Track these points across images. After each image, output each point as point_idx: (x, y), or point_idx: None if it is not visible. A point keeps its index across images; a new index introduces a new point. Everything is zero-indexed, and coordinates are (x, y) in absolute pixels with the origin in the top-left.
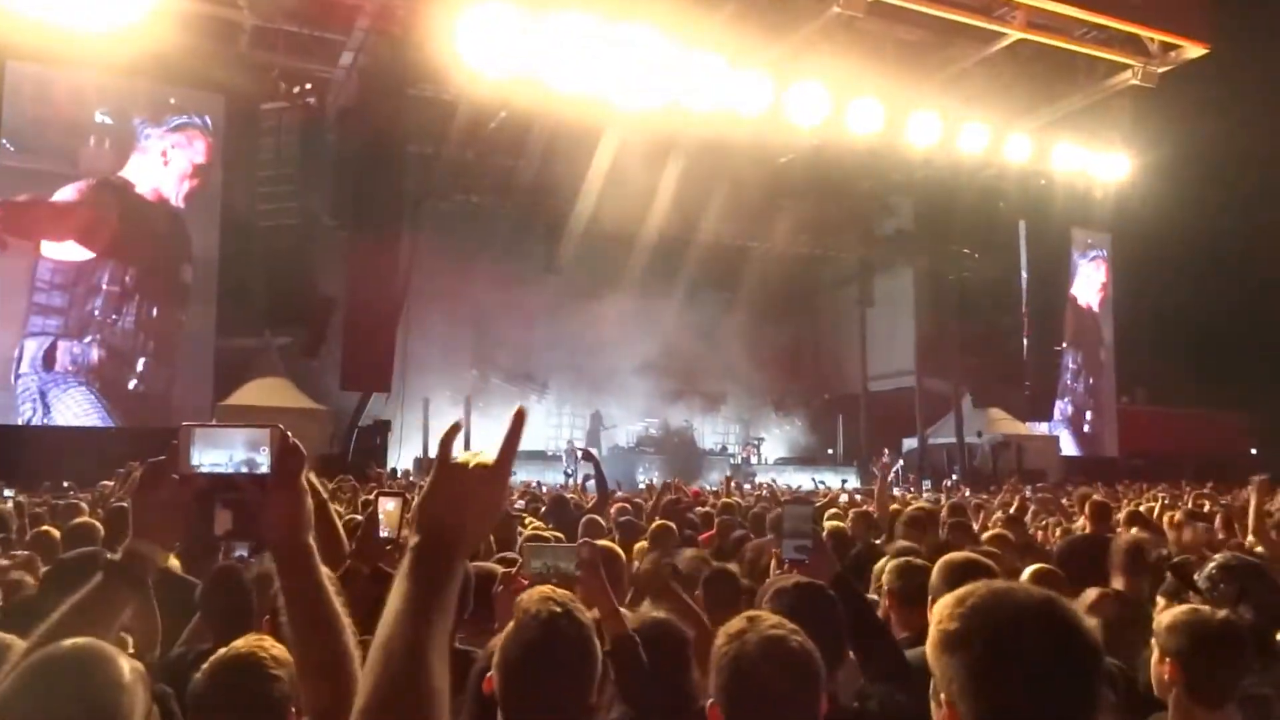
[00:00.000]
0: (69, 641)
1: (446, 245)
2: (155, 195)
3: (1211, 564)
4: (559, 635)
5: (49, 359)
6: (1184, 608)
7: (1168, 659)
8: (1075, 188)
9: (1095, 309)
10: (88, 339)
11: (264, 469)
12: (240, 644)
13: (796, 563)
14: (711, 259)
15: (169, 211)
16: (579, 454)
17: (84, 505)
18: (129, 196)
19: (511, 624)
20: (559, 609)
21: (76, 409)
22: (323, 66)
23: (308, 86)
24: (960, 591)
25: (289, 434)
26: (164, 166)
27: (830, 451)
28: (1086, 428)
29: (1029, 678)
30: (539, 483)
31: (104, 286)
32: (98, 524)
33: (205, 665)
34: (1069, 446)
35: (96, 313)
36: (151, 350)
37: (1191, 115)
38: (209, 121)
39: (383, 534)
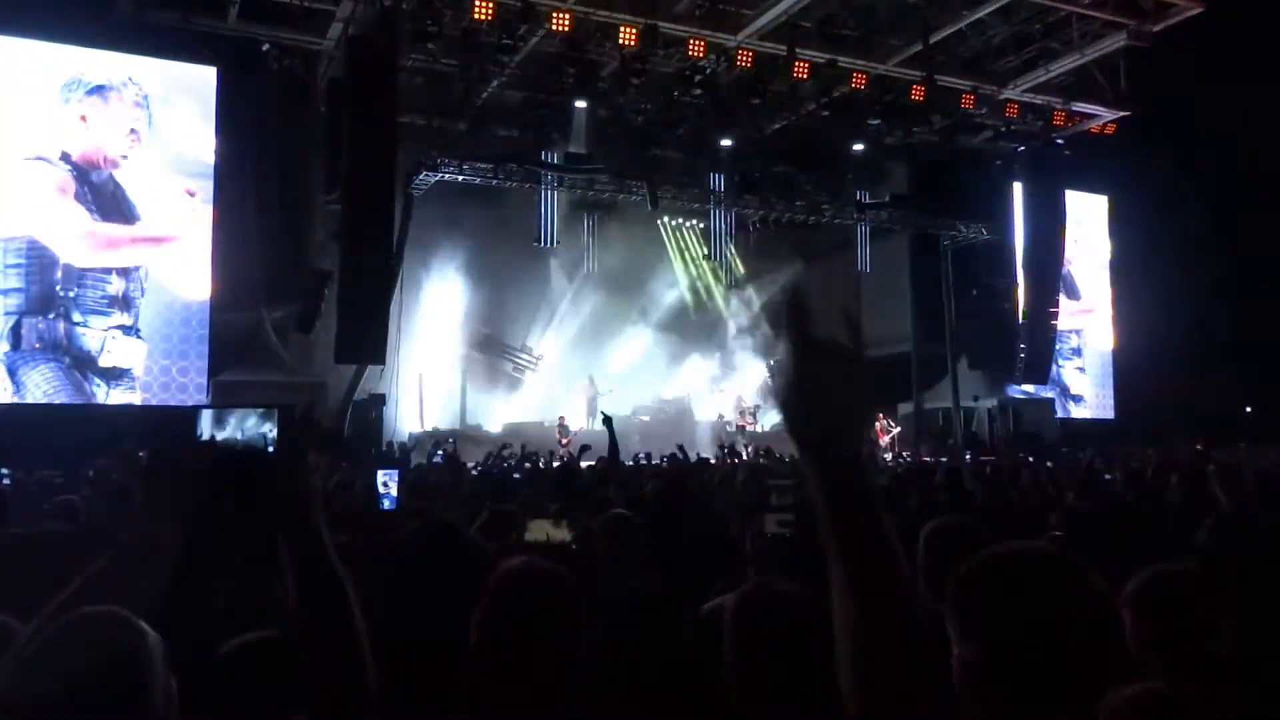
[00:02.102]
0: (93, 608)
1: (439, 217)
2: (87, 160)
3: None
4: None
5: (15, 338)
6: (1152, 569)
7: (1134, 615)
8: (1071, 150)
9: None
10: (51, 314)
11: (271, 448)
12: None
13: (779, 537)
14: (706, 227)
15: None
16: (600, 415)
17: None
18: (71, 166)
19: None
20: (533, 561)
21: (45, 385)
22: (313, 38)
23: (298, 59)
24: (984, 552)
25: (294, 413)
26: (85, 131)
27: None
28: (1082, 389)
29: (1044, 631)
30: (533, 449)
31: (60, 260)
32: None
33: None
34: (1067, 408)
35: (57, 288)
36: (118, 323)
37: (1189, 74)
38: (131, 80)
39: (384, 506)
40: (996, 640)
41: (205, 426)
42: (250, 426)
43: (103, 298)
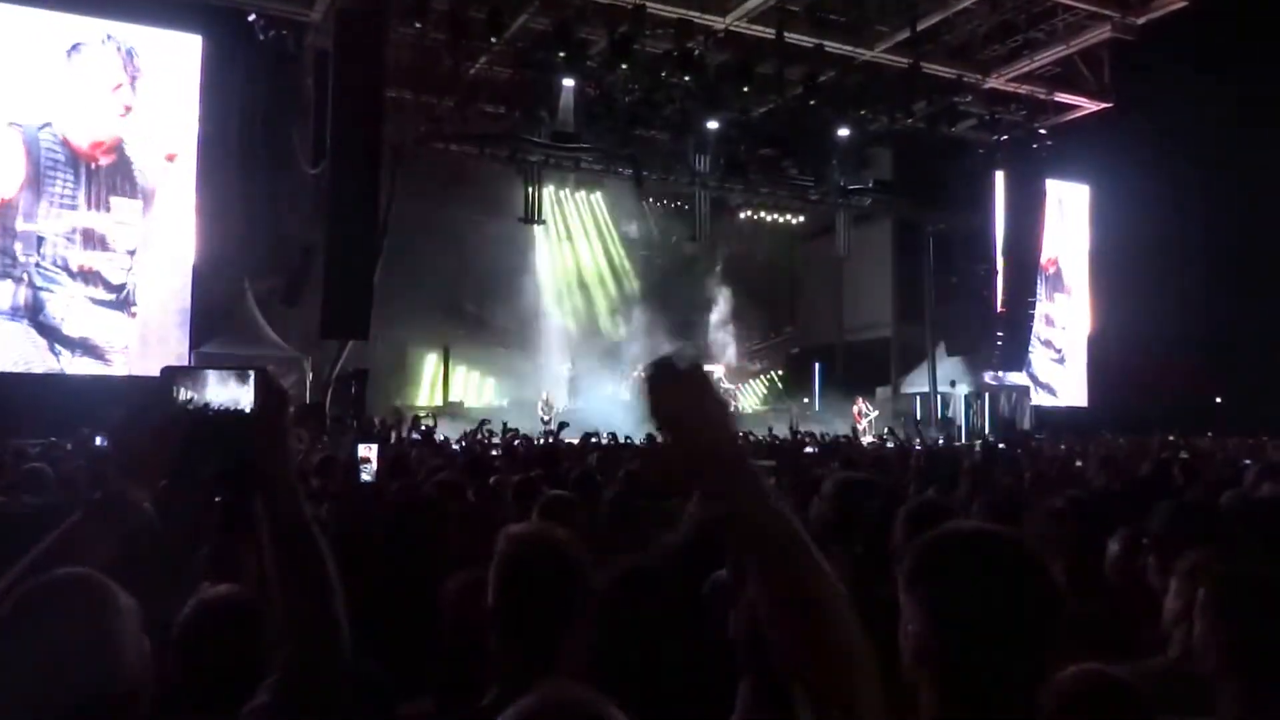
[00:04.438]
0: (64, 570)
1: (426, 193)
2: (76, 124)
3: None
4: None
5: None
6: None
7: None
8: (1053, 139)
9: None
10: (17, 279)
11: (248, 409)
12: (223, 589)
13: None
14: (691, 209)
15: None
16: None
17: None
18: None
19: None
20: (538, 531)
21: (12, 349)
22: (300, 9)
23: (285, 31)
24: (931, 533)
25: (272, 374)
26: (72, 94)
27: (806, 400)
28: (1057, 377)
29: (989, 613)
30: (518, 429)
31: (17, 227)
32: None
33: (190, 606)
34: (1040, 396)
35: (18, 254)
36: (92, 294)
37: (1172, 66)
38: (117, 41)
39: (363, 479)
40: (947, 618)
41: (182, 388)
42: (231, 389)
43: (75, 266)
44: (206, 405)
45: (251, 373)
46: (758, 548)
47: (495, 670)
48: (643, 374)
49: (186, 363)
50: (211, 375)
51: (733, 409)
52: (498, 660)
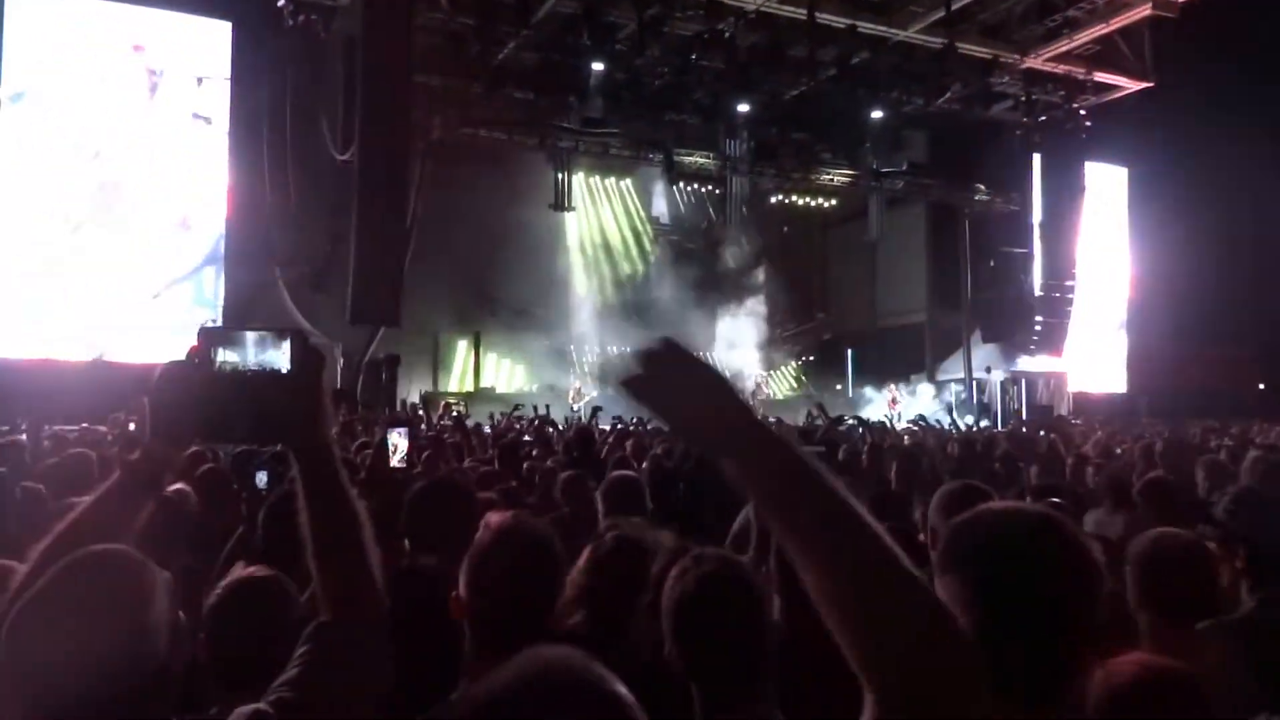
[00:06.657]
0: (98, 547)
1: (455, 179)
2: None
3: (1227, 496)
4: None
5: None
6: (1154, 530)
7: (1135, 575)
8: (1091, 121)
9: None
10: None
11: (283, 370)
12: (255, 569)
13: None
14: (722, 193)
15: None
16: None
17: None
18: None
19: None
20: (519, 520)
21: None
22: None
23: (314, 17)
24: (967, 514)
25: (308, 336)
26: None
27: (839, 387)
28: (1095, 362)
29: (1029, 593)
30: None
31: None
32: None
33: (222, 586)
34: (1078, 381)
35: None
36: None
37: (1212, 47)
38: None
39: (394, 464)
40: (985, 603)
41: (214, 348)
42: (267, 350)
43: (98, 255)
44: (243, 366)
45: (288, 335)
46: (788, 514)
47: (468, 661)
48: (616, 373)
49: None
50: (248, 337)
51: (725, 375)
52: (471, 651)
